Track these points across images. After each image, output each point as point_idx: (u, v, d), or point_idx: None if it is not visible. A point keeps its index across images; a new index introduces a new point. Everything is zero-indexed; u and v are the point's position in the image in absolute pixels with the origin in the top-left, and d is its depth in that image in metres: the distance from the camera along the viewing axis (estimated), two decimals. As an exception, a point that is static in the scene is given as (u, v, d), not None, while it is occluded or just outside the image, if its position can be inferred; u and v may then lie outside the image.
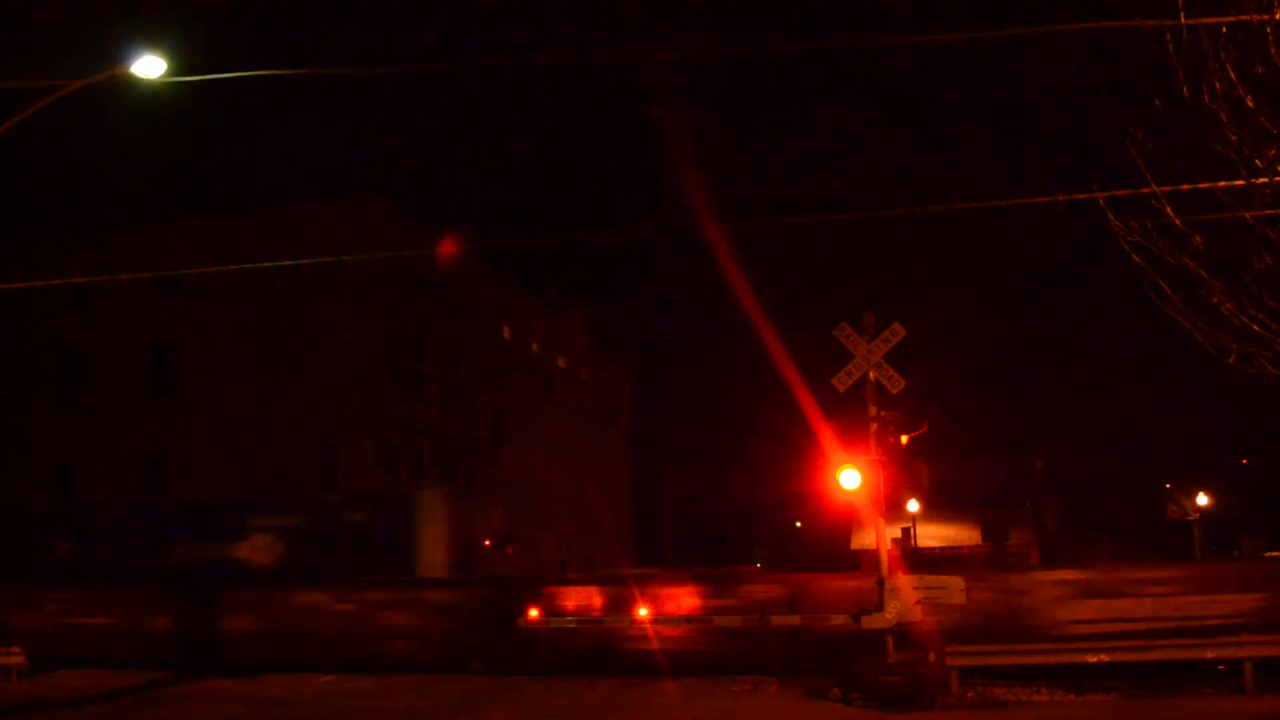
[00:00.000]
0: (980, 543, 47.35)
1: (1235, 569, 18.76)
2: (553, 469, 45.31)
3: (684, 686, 16.88)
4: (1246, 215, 9.27)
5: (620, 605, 18.67)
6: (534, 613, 18.77)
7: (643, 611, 18.20)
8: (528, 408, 44.93)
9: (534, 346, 47.34)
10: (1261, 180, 9.14)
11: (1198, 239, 9.50)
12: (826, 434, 16.11)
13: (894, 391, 15.86)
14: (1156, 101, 9.25)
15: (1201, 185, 9.54)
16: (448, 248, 37.20)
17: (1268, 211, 9.23)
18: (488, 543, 25.35)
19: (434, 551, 23.20)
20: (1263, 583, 16.54)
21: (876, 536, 15.81)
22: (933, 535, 45.03)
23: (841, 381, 15.93)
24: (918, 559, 29.60)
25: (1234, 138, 9.08)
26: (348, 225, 33.51)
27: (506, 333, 44.59)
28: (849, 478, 15.51)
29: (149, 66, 14.45)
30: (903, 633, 15.33)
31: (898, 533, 35.42)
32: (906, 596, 15.18)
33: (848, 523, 42.34)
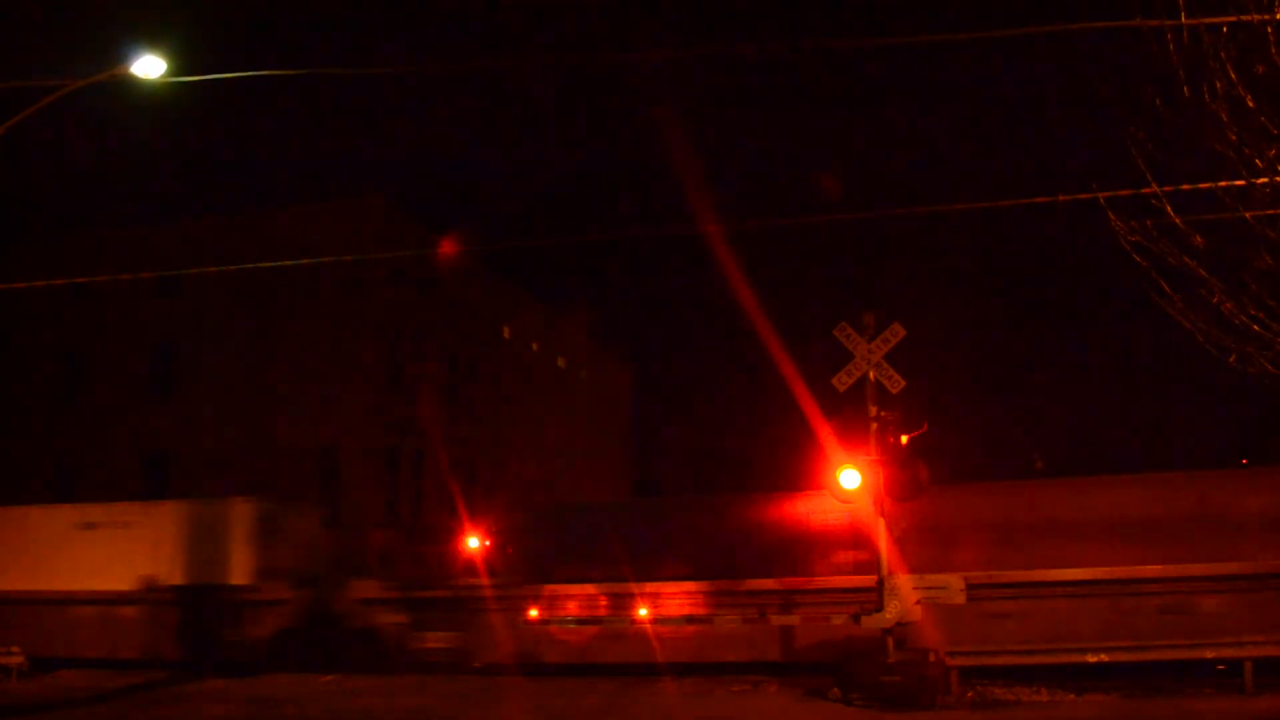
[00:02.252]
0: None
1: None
2: (553, 469, 45.30)
3: (684, 686, 16.89)
4: (1246, 215, 9.27)
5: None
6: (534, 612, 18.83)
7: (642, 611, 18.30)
8: (528, 408, 44.92)
9: (534, 346, 47.33)
10: (1261, 180, 9.13)
11: (1198, 239, 9.49)
12: (827, 434, 16.12)
13: (894, 391, 15.87)
14: (1157, 101, 9.25)
15: (1201, 185, 9.54)
16: (448, 248, 37.17)
17: (1268, 211, 9.23)
18: None
19: None
20: None
21: (879, 536, 15.81)
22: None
23: (841, 381, 15.93)
24: None
25: (1234, 138, 9.07)
26: (348, 225, 33.45)
27: (506, 333, 44.57)
28: (849, 478, 15.51)
29: (149, 66, 14.44)
30: (903, 633, 15.36)
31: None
32: (906, 596, 15.19)
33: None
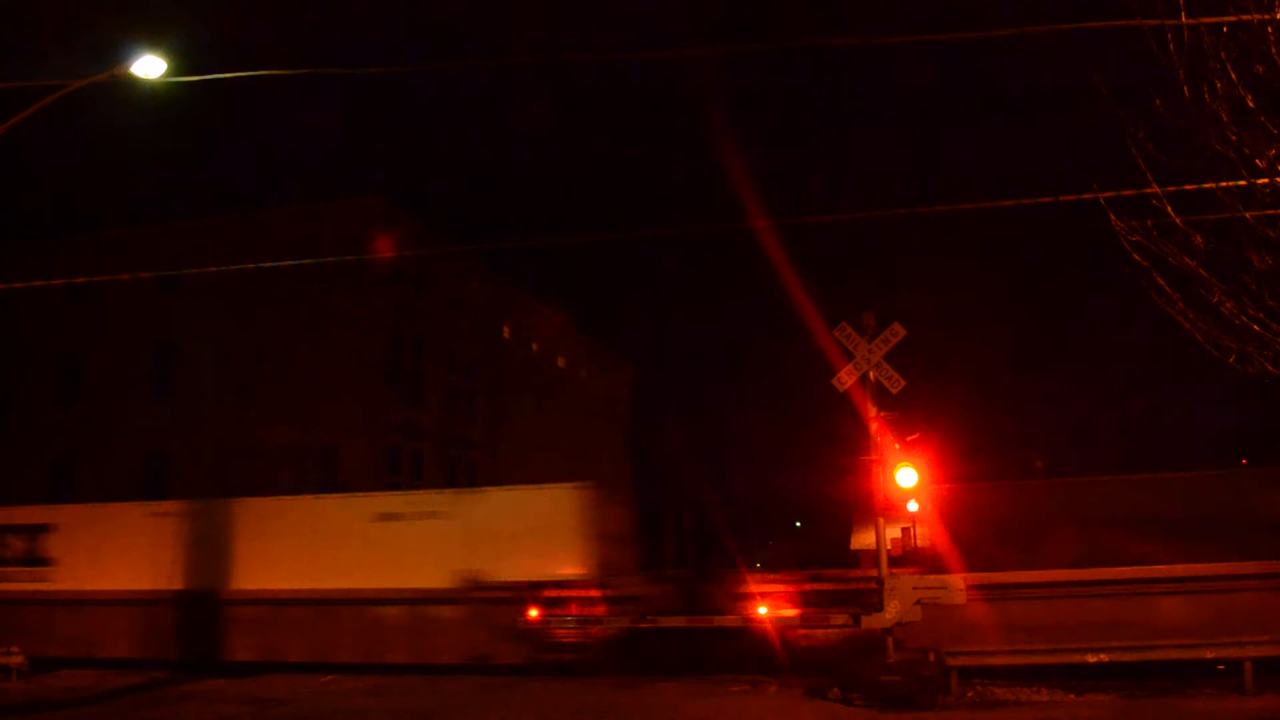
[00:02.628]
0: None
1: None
2: (553, 469, 45.33)
3: (684, 686, 16.88)
4: (1246, 215, 9.28)
5: None
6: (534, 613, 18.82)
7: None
8: (528, 408, 44.92)
9: (534, 346, 47.34)
10: (1262, 180, 9.15)
11: (1198, 239, 9.51)
12: (826, 433, 16.13)
13: (894, 391, 15.89)
14: (1157, 101, 9.26)
15: (1202, 185, 9.55)
16: (448, 248, 37.20)
17: (1268, 211, 9.24)
18: None
19: None
20: None
21: (877, 536, 15.82)
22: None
23: (841, 382, 15.95)
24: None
25: (1234, 138, 9.08)
26: (348, 225, 33.49)
27: (506, 333, 44.58)
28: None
29: (149, 66, 14.47)
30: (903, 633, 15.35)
31: (898, 532, 35.36)
32: (906, 596, 15.19)
33: (847, 523, 42.33)
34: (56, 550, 22.57)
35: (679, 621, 18.31)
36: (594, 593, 18.93)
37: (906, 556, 19.83)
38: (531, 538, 19.63)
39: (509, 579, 19.31)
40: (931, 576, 15.65)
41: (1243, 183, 9.22)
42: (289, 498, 23.29)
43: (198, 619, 21.14)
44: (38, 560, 22.66)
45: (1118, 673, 15.24)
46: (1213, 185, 9.40)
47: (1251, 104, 8.93)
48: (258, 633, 20.74)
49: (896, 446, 15.50)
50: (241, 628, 20.85)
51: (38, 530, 22.90)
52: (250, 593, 20.86)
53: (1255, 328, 9.46)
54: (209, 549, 21.49)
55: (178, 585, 21.37)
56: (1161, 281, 9.72)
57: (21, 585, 22.44)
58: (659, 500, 62.43)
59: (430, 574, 19.78)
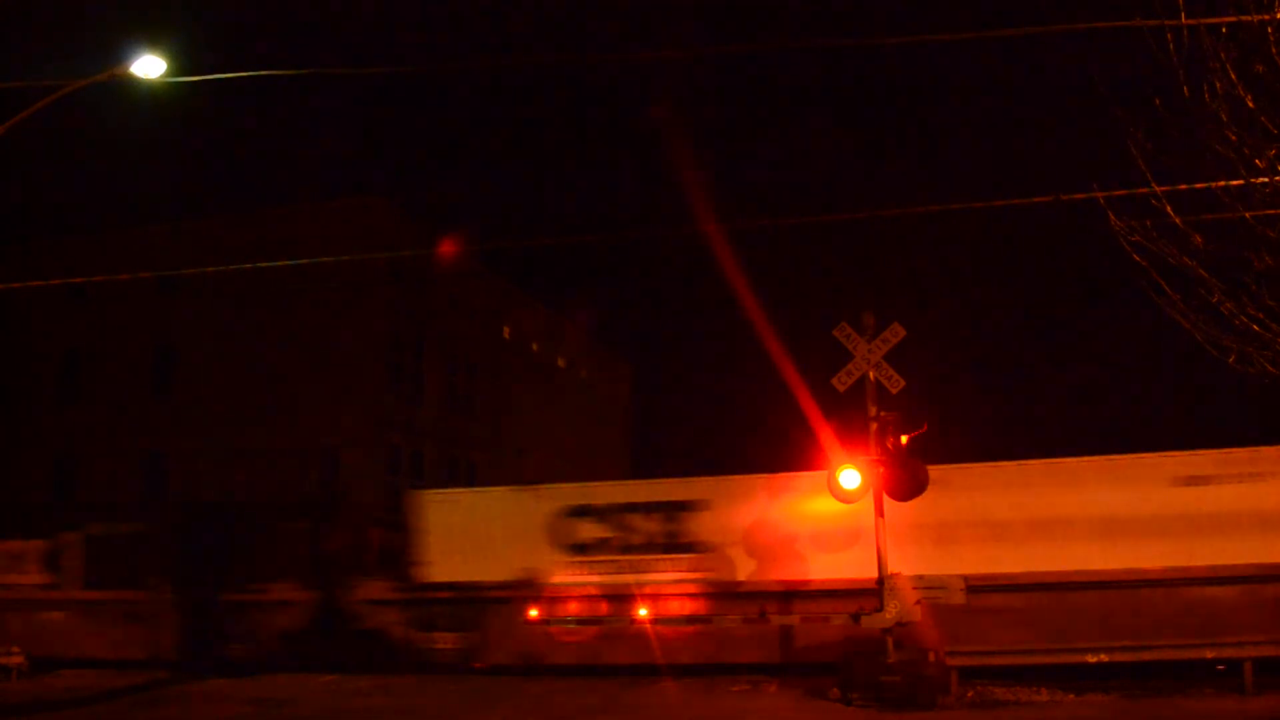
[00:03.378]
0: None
1: None
2: (552, 469, 45.31)
3: (684, 686, 16.89)
4: (1246, 215, 9.28)
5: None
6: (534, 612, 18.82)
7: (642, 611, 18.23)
8: (528, 408, 44.91)
9: (534, 346, 47.32)
10: (1261, 180, 9.15)
11: (1198, 239, 9.51)
12: (826, 434, 16.10)
13: (894, 391, 15.87)
14: (1157, 101, 9.26)
15: (1201, 185, 9.55)
16: (448, 248, 37.17)
17: (1268, 211, 9.25)
18: None
19: None
20: None
21: (877, 536, 15.81)
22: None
23: (841, 381, 15.93)
24: None
25: (1234, 138, 9.09)
26: (348, 225, 33.49)
27: (506, 333, 44.56)
28: (848, 478, 15.49)
29: (149, 66, 14.49)
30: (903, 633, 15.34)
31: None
32: (906, 596, 15.18)
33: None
34: (710, 533, 19.06)
35: None
36: None
37: None
38: None
39: None
40: (931, 576, 15.63)
41: (1242, 183, 9.22)
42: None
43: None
44: (682, 546, 19.14)
45: (1118, 673, 15.25)
46: (1212, 185, 9.41)
47: (1251, 104, 8.93)
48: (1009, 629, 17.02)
49: (896, 446, 15.46)
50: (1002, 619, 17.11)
51: (677, 508, 19.32)
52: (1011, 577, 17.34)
53: (1255, 328, 9.47)
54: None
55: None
56: (1161, 282, 9.72)
57: (663, 575, 19.01)
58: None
59: (1227, 549, 16.57)
